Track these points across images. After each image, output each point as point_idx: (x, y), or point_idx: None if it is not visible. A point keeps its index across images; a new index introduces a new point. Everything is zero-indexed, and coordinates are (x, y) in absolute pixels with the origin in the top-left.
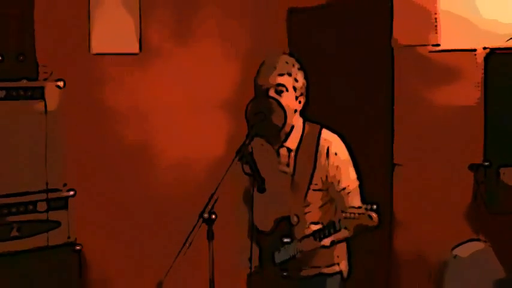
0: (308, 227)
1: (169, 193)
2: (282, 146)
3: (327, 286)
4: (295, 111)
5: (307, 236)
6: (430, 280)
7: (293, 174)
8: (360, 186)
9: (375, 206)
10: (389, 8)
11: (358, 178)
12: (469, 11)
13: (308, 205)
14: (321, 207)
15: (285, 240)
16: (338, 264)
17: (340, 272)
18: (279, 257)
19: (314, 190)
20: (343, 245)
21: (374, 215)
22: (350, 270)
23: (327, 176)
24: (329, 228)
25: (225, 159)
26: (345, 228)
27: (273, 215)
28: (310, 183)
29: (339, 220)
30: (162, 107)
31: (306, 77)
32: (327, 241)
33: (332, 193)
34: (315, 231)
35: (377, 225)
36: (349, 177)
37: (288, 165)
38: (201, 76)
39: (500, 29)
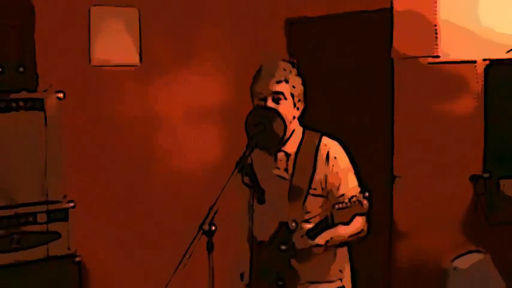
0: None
1: (169, 204)
2: (280, 150)
3: None
4: (294, 117)
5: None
6: None
7: (291, 179)
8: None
9: (367, 194)
10: (389, 19)
11: (359, 185)
12: (470, 22)
13: (307, 212)
14: (320, 214)
15: (283, 247)
16: (341, 279)
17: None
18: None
19: (313, 195)
20: (346, 258)
21: (365, 201)
22: (355, 285)
23: (326, 182)
24: (321, 223)
25: (225, 170)
26: (341, 223)
27: (271, 223)
28: (309, 187)
29: (331, 214)
30: (163, 117)
31: (303, 83)
32: (321, 240)
33: (331, 200)
34: (308, 230)
35: (367, 212)
36: (348, 184)
37: (286, 170)
38: (201, 87)
39: (500, 40)
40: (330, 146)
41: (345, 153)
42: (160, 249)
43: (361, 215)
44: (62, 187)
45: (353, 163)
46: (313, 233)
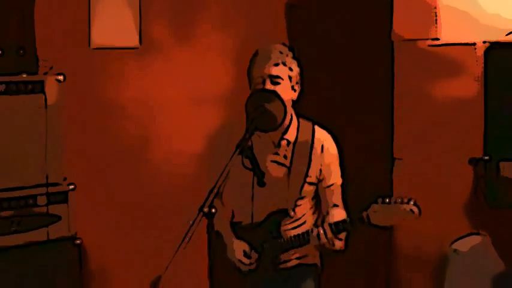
0: (299, 219)
1: (169, 187)
2: (283, 138)
3: (307, 275)
4: (292, 100)
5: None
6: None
7: (290, 167)
8: (342, 185)
9: (412, 202)
10: (389, 1)
11: (342, 176)
12: (469, 5)
13: (302, 198)
14: (310, 201)
15: (275, 235)
16: (314, 256)
17: (316, 264)
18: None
19: (308, 183)
20: None
21: (415, 209)
22: (322, 264)
23: (320, 171)
24: (353, 224)
25: (225, 153)
26: (375, 225)
27: (270, 207)
28: (307, 175)
29: (367, 215)
30: (162, 100)
31: (299, 65)
32: (338, 244)
33: (319, 188)
34: (334, 223)
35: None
36: (337, 174)
37: (285, 157)
38: (201, 70)
39: (500, 23)
40: (324, 138)
41: (334, 144)
42: (160, 231)
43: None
44: (62, 169)
45: (340, 153)
46: (337, 229)
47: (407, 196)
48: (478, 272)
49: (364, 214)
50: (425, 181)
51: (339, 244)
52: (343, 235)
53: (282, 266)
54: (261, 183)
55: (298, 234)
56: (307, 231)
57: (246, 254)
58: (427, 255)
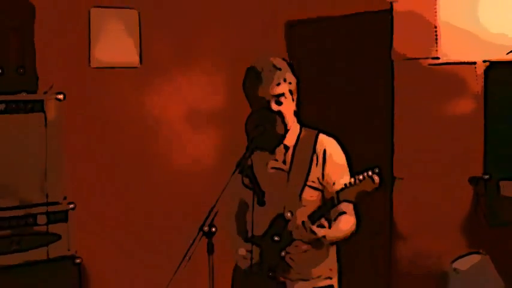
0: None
1: (169, 206)
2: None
3: None
4: (294, 111)
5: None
6: None
7: (289, 171)
8: None
9: (377, 170)
10: (389, 20)
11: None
12: (470, 24)
13: (306, 204)
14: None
15: (276, 238)
16: (330, 278)
17: (331, 287)
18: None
19: (310, 187)
20: (335, 258)
21: (376, 177)
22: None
23: (323, 176)
24: (326, 205)
25: (225, 172)
26: (346, 200)
27: (269, 216)
28: (307, 179)
29: (337, 194)
30: (162, 119)
31: (293, 72)
32: (321, 231)
33: (326, 195)
34: (310, 214)
35: (377, 187)
36: (345, 180)
37: (284, 162)
38: (201, 89)
39: (500, 42)
40: (327, 143)
41: (341, 150)
42: (160, 250)
43: (368, 193)
44: (62, 188)
45: (348, 160)
46: (314, 217)
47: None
48: None
49: (334, 194)
50: (425, 200)
51: (322, 231)
52: (325, 223)
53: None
54: (261, 203)
55: (284, 232)
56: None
57: (247, 250)
58: (427, 274)
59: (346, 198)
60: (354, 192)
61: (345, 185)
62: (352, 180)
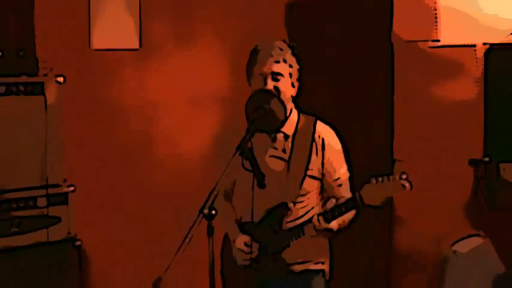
0: (304, 216)
1: (169, 189)
2: (279, 131)
3: (313, 282)
4: (292, 96)
5: (309, 221)
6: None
7: (289, 160)
8: (350, 178)
9: (404, 176)
10: (389, 3)
11: (349, 170)
12: (469, 6)
13: (305, 194)
14: (316, 197)
15: (275, 229)
16: (323, 263)
17: (323, 271)
18: (272, 246)
19: (310, 177)
20: (327, 243)
21: (407, 184)
22: (331, 272)
23: (322, 165)
24: (346, 204)
25: (225, 154)
26: (368, 205)
27: (269, 203)
28: (307, 168)
29: (359, 195)
30: (162, 102)
31: (298, 62)
32: (335, 224)
33: (325, 183)
34: (326, 211)
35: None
36: (342, 168)
37: (284, 151)
38: (201, 71)
39: (500, 25)
40: (325, 132)
41: (337, 138)
42: (160, 233)
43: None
44: (61, 171)
45: (344, 147)
46: (334, 213)
47: (399, 171)
48: (478, 273)
49: (357, 194)
50: (425, 182)
51: (336, 226)
52: (335, 225)
53: (287, 269)
54: (261, 185)
55: (293, 227)
56: (301, 224)
57: (246, 244)
58: (427, 257)
59: (372, 204)
60: (382, 197)
61: (376, 180)
62: (380, 178)
